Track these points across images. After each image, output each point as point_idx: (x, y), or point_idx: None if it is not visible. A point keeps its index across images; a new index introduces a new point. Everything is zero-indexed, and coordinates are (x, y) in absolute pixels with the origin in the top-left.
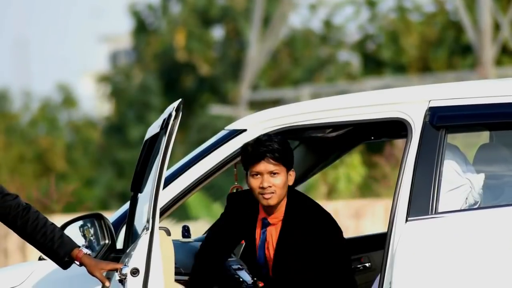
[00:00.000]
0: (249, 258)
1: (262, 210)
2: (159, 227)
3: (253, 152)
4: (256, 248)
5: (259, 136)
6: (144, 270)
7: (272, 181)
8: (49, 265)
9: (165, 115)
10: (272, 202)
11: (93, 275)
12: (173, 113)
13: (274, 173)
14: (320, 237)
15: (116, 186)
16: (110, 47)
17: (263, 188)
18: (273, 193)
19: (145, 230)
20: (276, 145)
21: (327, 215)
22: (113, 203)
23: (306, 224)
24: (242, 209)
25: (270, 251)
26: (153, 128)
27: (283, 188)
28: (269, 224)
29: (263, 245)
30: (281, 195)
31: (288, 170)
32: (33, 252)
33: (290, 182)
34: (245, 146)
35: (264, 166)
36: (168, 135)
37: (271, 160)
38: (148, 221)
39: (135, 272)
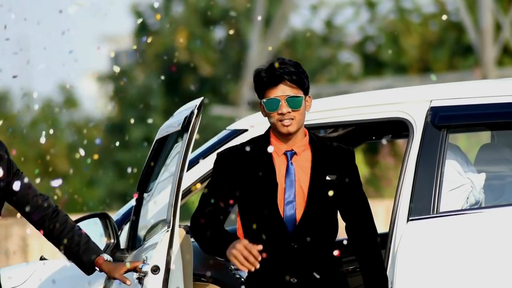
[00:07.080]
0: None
1: (279, 144)
2: (179, 225)
3: (269, 77)
4: (283, 191)
5: (271, 61)
6: (164, 267)
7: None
8: (51, 265)
9: (186, 113)
10: (292, 129)
11: (113, 279)
12: (195, 111)
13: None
14: (350, 165)
15: (117, 187)
16: (112, 48)
17: (282, 114)
18: (292, 119)
19: (165, 228)
20: (292, 68)
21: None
22: (114, 203)
23: (336, 150)
24: (242, 162)
25: (302, 183)
26: (164, 129)
27: (302, 114)
28: (294, 153)
29: (292, 182)
30: (300, 121)
31: (305, 95)
32: (34, 253)
33: (308, 109)
34: (258, 72)
35: (281, 90)
36: (190, 133)
37: (289, 83)
38: (168, 220)
39: (155, 269)
